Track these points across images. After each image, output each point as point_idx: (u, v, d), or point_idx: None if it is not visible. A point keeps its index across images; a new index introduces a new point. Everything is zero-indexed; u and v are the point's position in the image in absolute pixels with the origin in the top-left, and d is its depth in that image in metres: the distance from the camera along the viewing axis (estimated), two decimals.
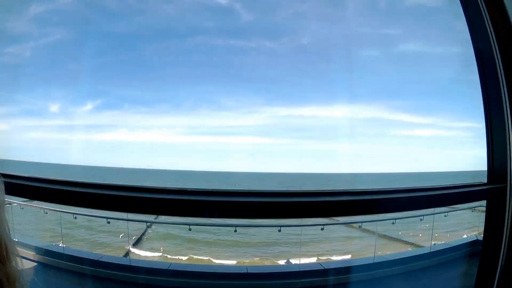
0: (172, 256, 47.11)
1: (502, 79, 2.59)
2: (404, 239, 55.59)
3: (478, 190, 3.37)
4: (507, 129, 2.66)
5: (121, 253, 45.01)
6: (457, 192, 3.47)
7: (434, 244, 39.71)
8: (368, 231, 57.69)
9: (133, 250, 47.03)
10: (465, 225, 55.67)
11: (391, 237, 58.05)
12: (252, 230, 59.78)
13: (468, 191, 3.47)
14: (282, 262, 46.14)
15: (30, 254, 7.39)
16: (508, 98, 2.56)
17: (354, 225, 68.60)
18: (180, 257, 45.23)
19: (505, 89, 2.58)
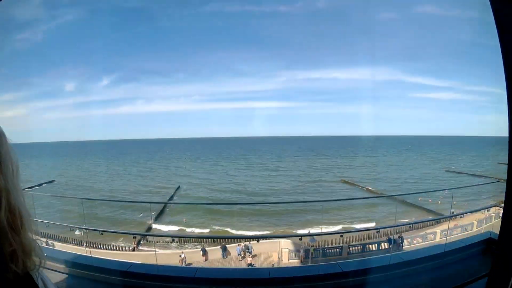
0: (194, 229, 47.66)
1: None
2: (424, 207, 55.76)
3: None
4: None
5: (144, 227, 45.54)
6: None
7: (453, 212, 39.56)
8: (390, 197, 57.87)
9: (155, 225, 47.24)
10: (482, 194, 55.47)
11: (412, 204, 58.07)
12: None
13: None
14: (303, 231, 46.39)
15: (58, 266, 7.47)
16: None
17: (374, 190, 68.21)
18: (202, 231, 45.56)
19: None
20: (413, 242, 37.88)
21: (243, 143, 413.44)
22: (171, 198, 69.37)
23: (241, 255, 33.38)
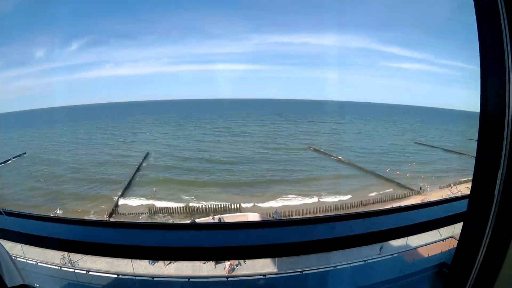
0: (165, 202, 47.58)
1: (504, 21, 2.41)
2: (394, 179, 57.24)
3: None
4: (507, 74, 2.49)
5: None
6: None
7: (421, 187, 41.15)
8: (358, 168, 59.38)
9: (123, 201, 46.86)
10: (450, 172, 57.32)
11: (380, 175, 59.59)
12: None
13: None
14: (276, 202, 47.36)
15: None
16: (510, 41, 2.40)
17: (343, 159, 69.36)
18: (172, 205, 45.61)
19: (507, 31, 2.41)
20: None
21: (211, 106, 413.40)
22: (140, 166, 69.67)
23: None
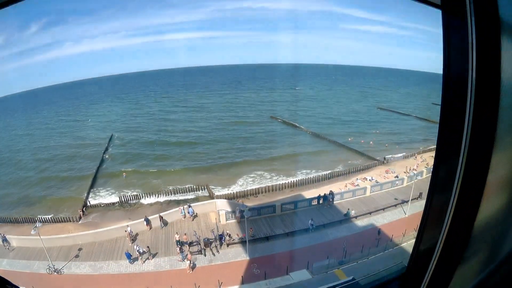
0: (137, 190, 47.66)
1: None
2: (356, 148, 58.45)
3: None
4: (469, 37, 2.54)
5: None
6: None
7: (385, 158, 42.85)
8: (322, 138, 60.68)
9: (93, 202, 46.66)
10: (416, 144, 59.20)
11: (342, 145, 60.71)
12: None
13: None
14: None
15: None
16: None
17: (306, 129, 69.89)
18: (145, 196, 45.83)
19: None
20: (343, 198, 39.92)
21: (169, 76, 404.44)
22: (106, 150, 70.16)
23: (185, 216, 35.99)
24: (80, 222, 40.00)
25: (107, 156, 65.86)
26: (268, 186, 46.96)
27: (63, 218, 40.23)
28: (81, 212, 41.45)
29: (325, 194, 38.86)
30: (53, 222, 39.37)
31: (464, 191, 2.77)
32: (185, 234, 31.82)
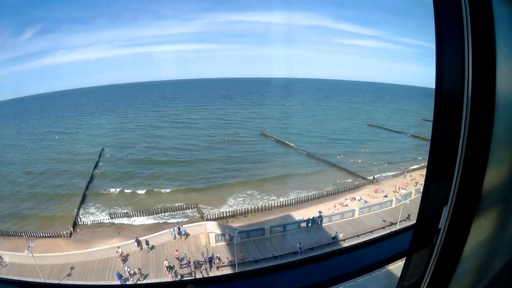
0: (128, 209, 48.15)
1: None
2: (345, 167, 58.89)
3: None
4: (465, 52, 2.51)
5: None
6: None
7: (374, 177, 43.29)
8: (311, 156, 60.83)
9: (84, 219, 47.13)
10: (406, 163, 59.66)
11: (334, 164, 61.09)
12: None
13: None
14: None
15: None
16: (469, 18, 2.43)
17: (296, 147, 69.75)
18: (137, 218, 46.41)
19: (467, 8, 2.43)
20: (332, 220, 40.84)
21: (160, 88, 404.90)
22: (96, 165, 70.14)
23: (175, 237, 36.62)
24: (71, 238, 40.53)
25: (97, 172, 65.55)
26: (258, 207, 47.45)
27: (55, 233, 40.67)
28: (71, 229, 41.91)
29: (313, 217, 39.74)
30: (44, 237, 39.93)
31: (457, 210, 2.87)
32: (176, 250, 33.14)
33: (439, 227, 2.96)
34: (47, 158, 78.71)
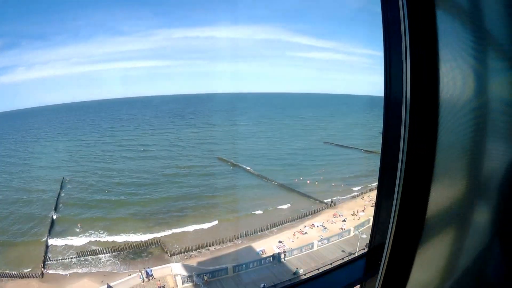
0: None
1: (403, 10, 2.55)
2: (306, 194, 60.48)
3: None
4: (403, 59, 2.59)
5: None
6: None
7: (331, 201, 45.04)
8: (269, 180, 61.57)
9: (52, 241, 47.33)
10: (363, 178, 61.48)
11: (291, 188, 62.17)
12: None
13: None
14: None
15: None
16: (408, 28, 2.52)
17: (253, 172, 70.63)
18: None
19: (405, 17, 2.52)
20: (292, 254, 43.00)
21: (115, 107, 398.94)
22: (59, 196, 69.24)
23: (144, 280, 37.90)
24: (43, 278, 41.08)
25: (60, 205, 64.88)
26: (219, 239, 48.64)
27: (27, 274, 41.27)
28: (42, 268, 42.43)
29: (273, 254, 41.98)
30: (17, 278, 40.67)
31: (398, 236, 2.93)
32: None
33: (384, 253, 3.10)
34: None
